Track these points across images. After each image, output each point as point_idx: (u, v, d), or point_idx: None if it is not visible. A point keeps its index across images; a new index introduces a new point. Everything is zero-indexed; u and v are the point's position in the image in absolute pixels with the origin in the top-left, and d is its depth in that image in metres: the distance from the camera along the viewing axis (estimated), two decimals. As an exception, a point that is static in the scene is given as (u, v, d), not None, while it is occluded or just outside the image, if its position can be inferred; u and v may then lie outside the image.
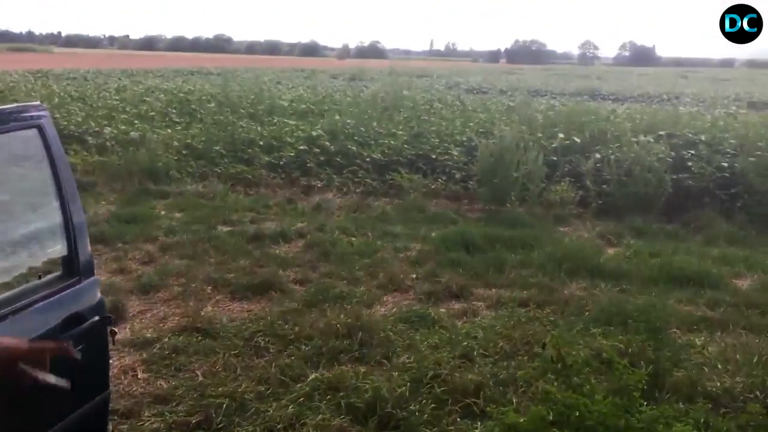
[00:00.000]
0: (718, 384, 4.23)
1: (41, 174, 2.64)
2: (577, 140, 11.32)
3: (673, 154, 10.08)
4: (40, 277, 2.54)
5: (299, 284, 6.12)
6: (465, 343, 4.74)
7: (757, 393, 4.11)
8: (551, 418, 2.92)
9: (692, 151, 10.36)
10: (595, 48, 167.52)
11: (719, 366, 4.49)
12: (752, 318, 5.42)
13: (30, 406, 2.35)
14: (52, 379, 1.70)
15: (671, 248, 7.54)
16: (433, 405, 3.91)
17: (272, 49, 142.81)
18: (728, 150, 10.45)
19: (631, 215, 8.95)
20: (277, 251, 7.04)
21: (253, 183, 10.54)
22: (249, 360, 4.52)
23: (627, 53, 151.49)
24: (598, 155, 10.25)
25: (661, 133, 11.40)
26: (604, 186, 9.65)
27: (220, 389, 4.07)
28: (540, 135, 11.56)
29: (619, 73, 63.32)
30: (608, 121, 13.69)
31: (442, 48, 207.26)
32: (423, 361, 4.41)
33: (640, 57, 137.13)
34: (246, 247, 7.11)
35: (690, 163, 9.87)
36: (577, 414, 2.88)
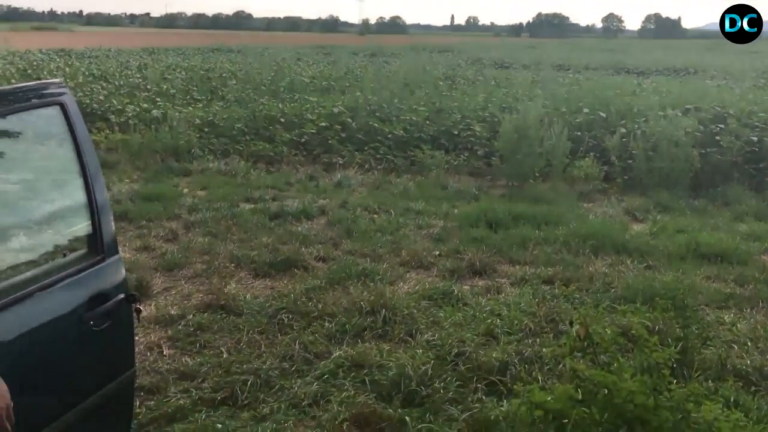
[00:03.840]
0: (748, 362, 4.16)
1: (64, 152, 2.62)
2: (603, 115, 11.14)
3: (701, 128, 9.87)
4: (64, 255, 2.53)
5: (322, 261, 6.11)
6: (489, 320, 4.71)
7: (789, 371, 4.04)
8: (579, 396, 2.87)
9: (721, 125, 10.13)
10: (619, 21, 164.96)
11: (749, 344, 4.42)
12: (783, 295, 5.31)
13: (57, 383, 2.36)
14: None
15: (698, 224, 7.41)
16: (457, 383, 3.89)
17: (292, 25, 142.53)
18: (758, 124, 10.20)
19: (657, 191, 8.80)
20: (299, 228, 7.03)
21: (275, 160, 10.54)
22: (273, 337, 4.53)
23: (652, 26, 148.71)
24: (623, 130, 10.07)
25: (688, 107, 11.18)
26: (630, 161, 9.49)
27: (244, 366, 4.09)
28: (564, 110, 11.39)
29: (644, 46, 62.16)
30: (634, 95, 13.46)
31: (463, 23, 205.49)
32: (447, 338, 4.39)
33: (666, 29, 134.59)
34: (268, 225, 7.11)
35: (718, 138, 9.66)
36: (606, 392, 2.83)
